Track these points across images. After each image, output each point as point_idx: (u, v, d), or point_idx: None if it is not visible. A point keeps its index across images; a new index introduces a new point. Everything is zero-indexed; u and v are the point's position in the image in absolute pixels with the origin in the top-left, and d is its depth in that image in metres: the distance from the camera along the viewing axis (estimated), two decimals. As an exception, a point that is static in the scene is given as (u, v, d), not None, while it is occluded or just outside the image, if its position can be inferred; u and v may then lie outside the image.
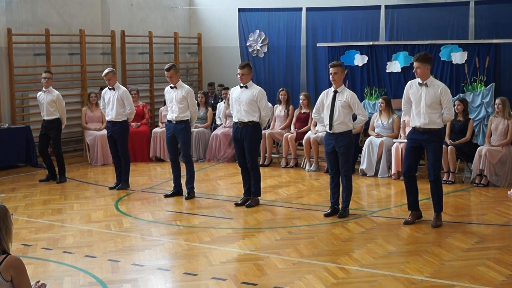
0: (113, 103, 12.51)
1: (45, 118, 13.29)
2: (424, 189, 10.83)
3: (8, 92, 15.37)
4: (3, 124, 14.79)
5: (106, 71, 12.64)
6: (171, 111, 11.84)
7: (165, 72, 11.76)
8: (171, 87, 11.83)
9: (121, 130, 12.56)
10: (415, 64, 9.56)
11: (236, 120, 11.09)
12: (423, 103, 9.52)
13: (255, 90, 11.02)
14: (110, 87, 12.57)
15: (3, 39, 15.16)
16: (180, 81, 11.90)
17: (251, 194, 11.21)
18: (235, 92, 11.18)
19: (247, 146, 11.01)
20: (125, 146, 12.68)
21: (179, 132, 11.75)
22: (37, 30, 16.07)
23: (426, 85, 9.54)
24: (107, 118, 12.69)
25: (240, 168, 11.38)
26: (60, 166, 13.43)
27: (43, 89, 13.29)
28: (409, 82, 9.91)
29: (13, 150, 14.62)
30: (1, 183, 13.39)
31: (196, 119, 12.28)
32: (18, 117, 15.59)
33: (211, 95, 18.44)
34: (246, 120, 10.97)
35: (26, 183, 13.32)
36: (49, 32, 16.05)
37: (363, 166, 13.63)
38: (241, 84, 11.07)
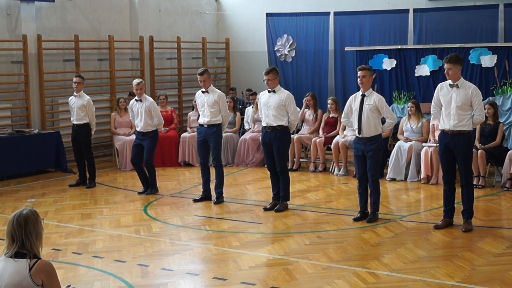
0: (141, 114, 12.56)
1: (75, 122, 13.37)
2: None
3: (38, 97, 15.51)
4: (33, 130, 14.91)
5: (139, 80, 12.74)
6: (203, 115, 11.86)
7: (198, 76, 11.80)
8: (203, 92, 11.86)
9: (152, 139, 12.62)
10: (446, 66, 9.47)
11: (265, 125, 11.08)
12: (454, 104, 9.44)
13: (283, 94, 11.00)
14: (137, 98, 12.65)
15: (33, 45, 15.29)
16: (212, 85, 11.94)
17: (280, 199, 11.19)
18: (263, 96, 11.18)
19: (276, 150, 10.99)
20: (152, 155, 12.70)
21: (211, 135, 11.76)
22: (67, 36, 16.20)
23: (457, 86, 9.47)
24: (137, 129, 12.74)
25: (269, 172, 11.37)
26: (91, 171, 13.52)
27: (74, 93, 13.38)
28: (439, 84, 9.83)
29: (43, 155, 14.72)
30: (32, 188, 13.50)
31: (227, 123, 12.32)
32: (48, 123, 15.71)
33: (235, 100, 18.46)
34: (274, 124, 10.95)
35: (56, 188, 13.41)
36: (78, 38, 16.18)
37: (390, 174, 13.53)
38: (269, 89, 11.07)
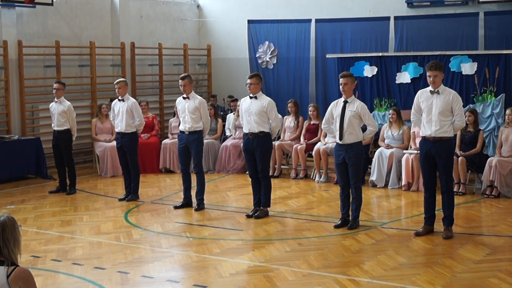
0: (123, 114, 12.51)
1: (55, 128, 13.29)
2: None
3: (18, 103, 15.42)
4: (13, 136, 14.83)
5: (119, 79, 12.75)
6: (184, 122, 11.81)
7: (180, 80, 11.78)
8: (184, 98, 11.83)
9: (130, 141, 12.56)
10: (432, 73, 9.41)
11: (247, 131, 11.06)
12: (435, 110, 9.47)
13: (265, 101, 10.99)
14: (120, 98, 12.59)
15: (13, 51, 15.21)
16: (193, 92, 11.90)
17: (261, 205, 11.17)
18: (245, 103, 11.15)
19: (259, 156, 10.97)
20: (135, 158, 12.68)
21: (192, 142, 11.72)
22: (48, 42, 16.13)
23: (438, 92, 9.50)
24: (117, 130, 12.71)
25: (250, 179, 11.34)
26: (71, 178, 13.43)
27: (55, 99, 13.31)
28: (419, 91, 9.86)
29: (23, 162, 14.63)
30: (11, 194, 13.41)
31: (208, 130, 12.28)
32: (28, 129, 15.63)
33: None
34: (256, 131, 10.94)
35: (36, 195, 13.32)
36: (59, 44, 16.12)
37: (373, 177, 13.58)
38: (251, 95, 11.05)
